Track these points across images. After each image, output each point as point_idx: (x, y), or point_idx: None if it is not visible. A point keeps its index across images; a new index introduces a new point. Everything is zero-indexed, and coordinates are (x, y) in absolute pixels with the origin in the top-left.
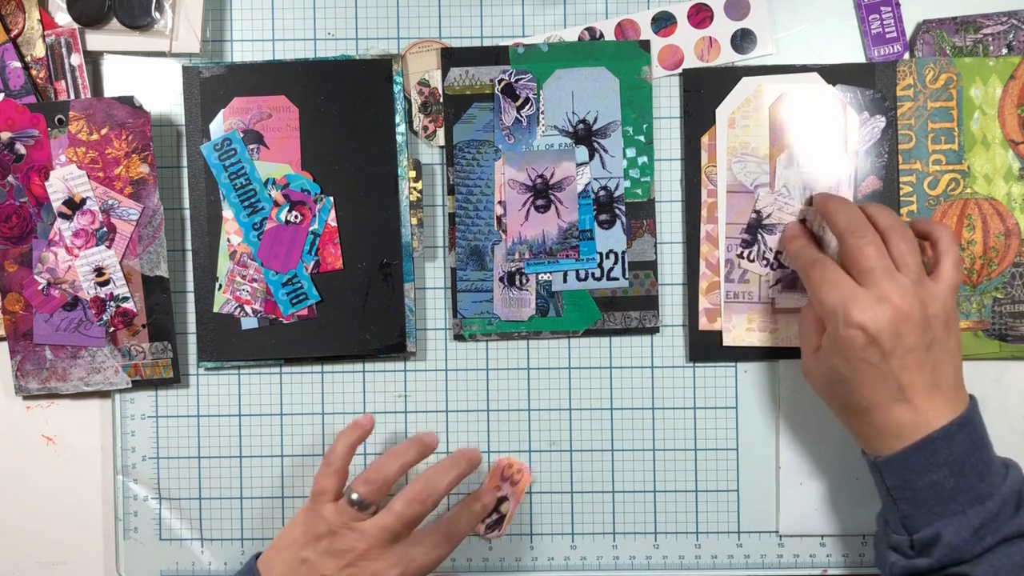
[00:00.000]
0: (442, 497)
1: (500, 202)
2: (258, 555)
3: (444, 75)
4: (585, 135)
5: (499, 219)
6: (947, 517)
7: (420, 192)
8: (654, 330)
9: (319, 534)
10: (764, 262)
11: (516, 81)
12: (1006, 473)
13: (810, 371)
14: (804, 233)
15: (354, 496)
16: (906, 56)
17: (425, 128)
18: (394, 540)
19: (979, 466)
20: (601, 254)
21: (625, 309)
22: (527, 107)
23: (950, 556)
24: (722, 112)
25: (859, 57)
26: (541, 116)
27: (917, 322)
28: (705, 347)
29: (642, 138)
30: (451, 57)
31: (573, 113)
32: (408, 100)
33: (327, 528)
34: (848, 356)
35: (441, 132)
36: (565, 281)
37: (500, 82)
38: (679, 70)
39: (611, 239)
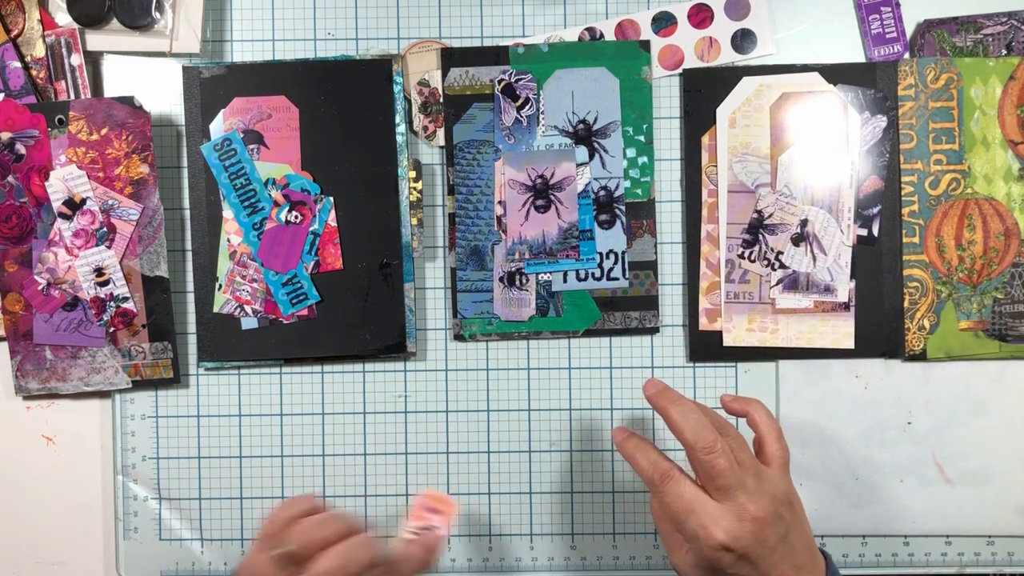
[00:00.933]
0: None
1: (500, 202)
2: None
3: (444, 75)
4: (585, 135)
5: (499, 219)
6: None
7: (420, 192)
8: (654, 330)
9: None
10: (765, 262)
11: (516, 81)
12: None
13: (681, 570)
14: (633, 432)
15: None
16: (906, 56)
17: (425, 128)
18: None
19: None
20: (601, 254)
21: (625, 309)
22: (527, 107)
23: None
24: (723, 112)
25: (859, 57)
26: (541, 116)
27: (772, 520)
28: (705, 347)
29: (642, 138)
30: (451, 57)
31: (573, 113)
32: (408, 100)
33: None
34: (717, 571)
35: (441, 132)
36: (565, 281)
37: (500, 82)
38: (679, 70)
39: (611, 239)
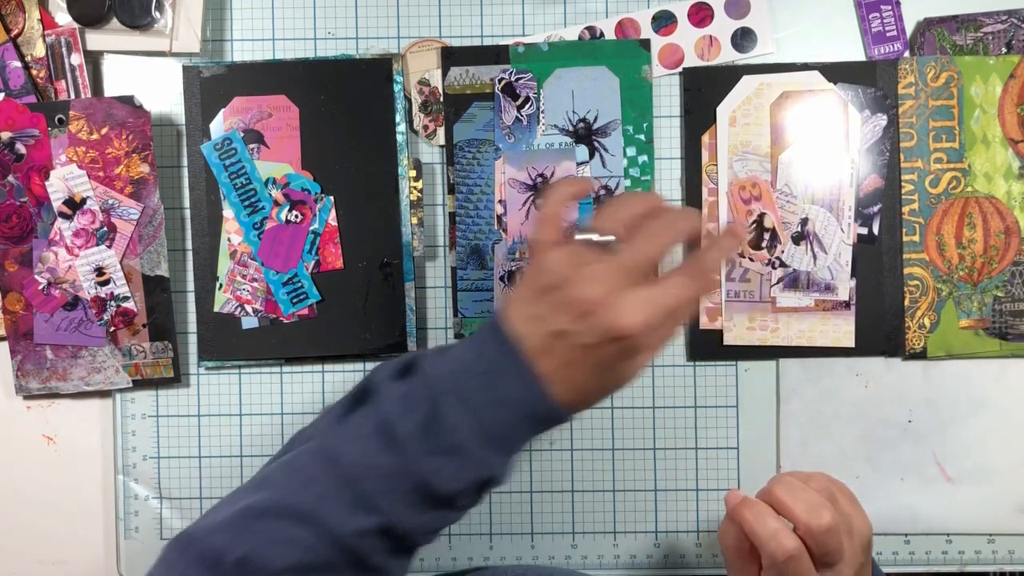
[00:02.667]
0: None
1: (501, 201)
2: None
3: (444, 74)
4: (585, 134)
5: (499, 218)
6: None
7: (420, 192)
8: None
9: (545, 287)
10: (765, 261)
11: (516, 80)
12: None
13: None
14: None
15: (595, 237)
16: (906, 54)
17: (425, 127)
18: (633, 281)
19: None
20: None
21: None
22: (527, 106)
23: None
24: (723, 111)
25: (859, 56)
26: (541, 115)
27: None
28: (705, 346)
29: (642, 137)
30: (451, 56)
31: (573, 112)
32: (408, 99)
33: (554, 279)
34: None
35: (441, 131)
36: None
37: (500, 81)
38: (679, 69)
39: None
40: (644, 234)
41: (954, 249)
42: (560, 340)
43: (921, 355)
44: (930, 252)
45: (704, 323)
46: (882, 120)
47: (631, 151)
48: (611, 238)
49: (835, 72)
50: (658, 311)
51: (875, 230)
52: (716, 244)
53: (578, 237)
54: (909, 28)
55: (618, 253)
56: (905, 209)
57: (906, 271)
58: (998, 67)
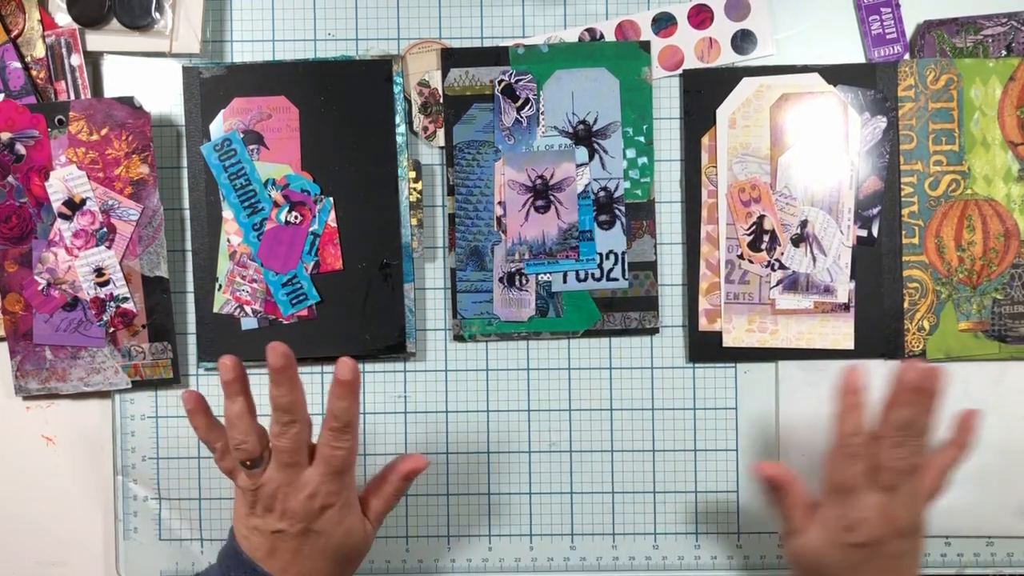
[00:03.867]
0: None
1: (500, 203)
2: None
3: (444, 76)
4: (585, 136)
5: (499, 220)
6: None
7: (420, 192)
8: (654, 331)
9: (250, 502)
10: (764, 263)
11: (516, 82)
12: None
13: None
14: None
15: (246, 463)
16: (906, 57)
17: (425, 129)
18: (297, 465)
19: None
20: (601, 255)
21: (625, 310)
22: (527, 108)
23: None
24: (723, 112)
25: (859, 58)
26: (541, 117)
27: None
28: (705, 348)
29: (642, 139)
30: (451, 58)
31: (573, 114)
32: (408, 101)
33: (251, 496)
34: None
35: (441, 133)
36: (565, 282)
37: (500, 83)
38: (679, 71)
39: (611, 240)
40: (275, 432)
41: (953, 251)
42: (280, 537)
43: (920, 357)
44: (929, 254)
45: (703, 325)
46: (882, 122)
47: (631, 153)
48: (252, 461)
49: (835, 74)
50: (333, 476)
51: (875, 232)
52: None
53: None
54: (909, 30)
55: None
56: (905, 211)
57: (905, 273)
58: (998, 69)
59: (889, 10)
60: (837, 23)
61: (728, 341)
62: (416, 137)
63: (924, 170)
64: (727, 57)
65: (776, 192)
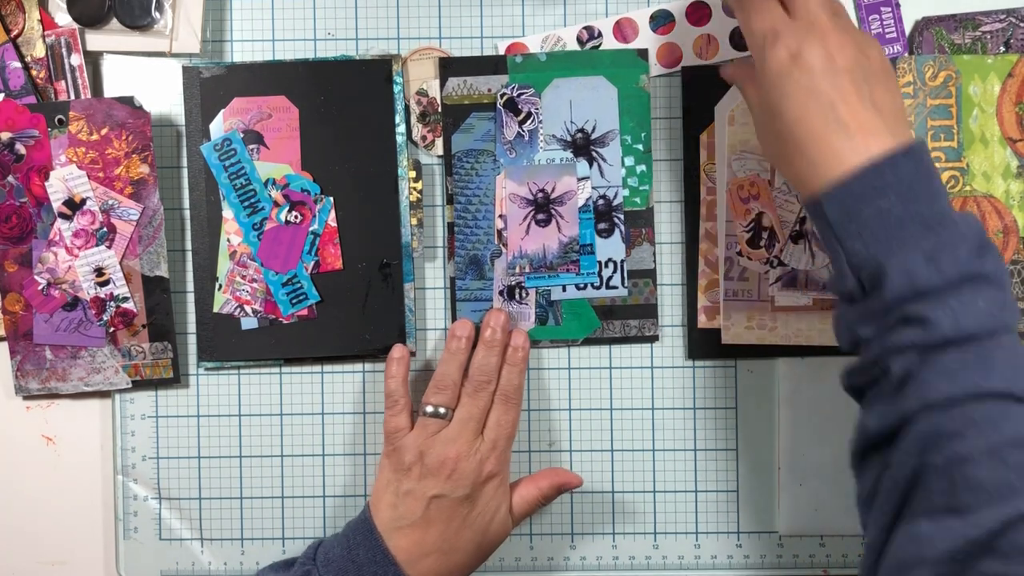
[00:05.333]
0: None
1: (501, 216)
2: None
3: (442, 85)
4: (583, 144)
5: (500, 233)
6: (896, 248)
7: (420, 192)
8: (653, 338)
9: (409, 464)
10: (763, 260)
11: (519, 95)
12: (961, 214)
13: (758, 128)
14: None
15: (429, 409)
16: (906, 54)
17: (424, 138)
18: (478, 429)
19: (929, 194)
20: (600, 263)
21: (624, 318)
22: (529, 121)
23: (905, 288)
24: (721, 110)
25: None
26: (540, 128)
27: (850, 46)
28: (704, 345)
29: (640, 147)
30: (449, 67)
31: (571, 122)
32: (407, 108)
33: (413, 455)
34: (777, 82)
35: (440, 142)
36: (564, 290)
37: (503, 96)
38: (678, 68)
39: (610, 248)
40: (471, 390)
41: None
42: (437, 504)
43: None
44: None
45: (702, 322)
46: None
47: (629, 161)
48: (444, 410)
49: None
50: (501, 438)
51: None
52: (510, 365)
53: (422, 415)
54: (909, 30)
55: (456, 413)
56: None
57: None
58: (996, 66)
59: (889, 10)
60: None
61: (727, 338)
62: (415, 147)
63: None
64: (725, 54)
65: (775, 189)
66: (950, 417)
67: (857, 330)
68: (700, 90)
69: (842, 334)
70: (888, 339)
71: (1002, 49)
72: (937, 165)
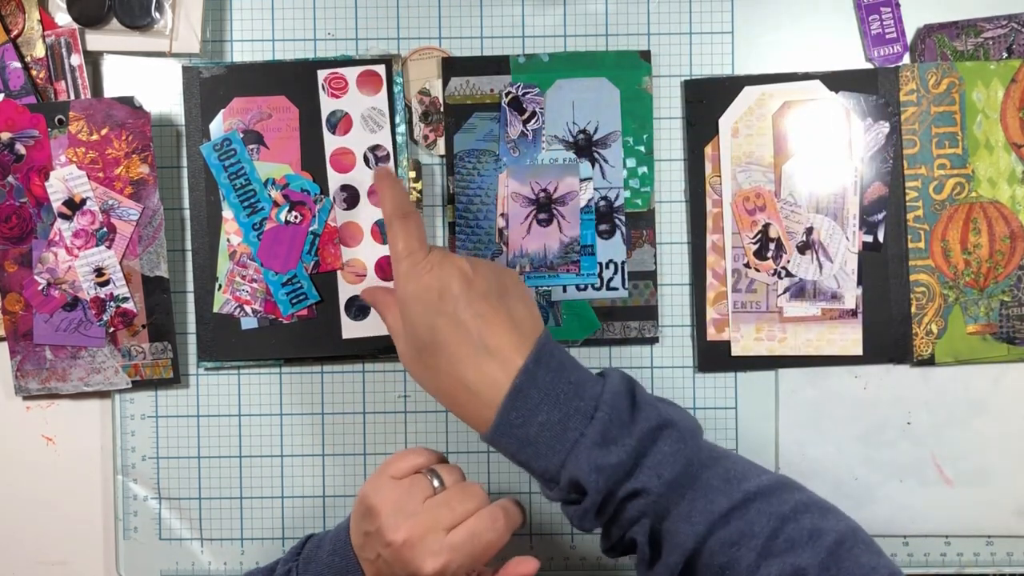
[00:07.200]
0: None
1: (503, 214)
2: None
3: (444, 85)
4: (585, 145)
5: (501, 231)
6: (571, 448)
7: (420, 192)
8: (653, 340)
9: (363, 516)
10: (771, 271)
11: (523, 95)
12: (604, 382)
13: (405, 358)
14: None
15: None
16: (906, 56)
17: (426, 137)
18: (444, 523)
19: (570, 389)
20: (601, 264)
21: (624, 319)
22: (533, 121)
23: (601, 480)
24: (725, 122)
25: (858, 58)
26: (544, 129)
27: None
28: (714, 357)
29: (642, 148)
30: (452, 67)
31: (574, 123)
32: (409, 108)
33: (371, 513)
34: (425, 314)
35: (441, 141)
36: (564, 291)
37: (507, 95)
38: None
39: (611, 249)
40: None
41: (960, 255)
42: (378, 563)
43: (929, 361)
44: (936, 258)
45: (711, 334)
46: (884, 127)
47: (631, 162)
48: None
49: (836, 81)
50: (458, 556)
51: (880, 237)
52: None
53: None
54: (909, 32)
55: (439, 494)
56: (910, 216)
57: (912, 278)
58: (999, 72)
59: (889, 10)
60: (836, 23)
61: (737, 350)
62: (417, 146)
63: (928, 174)
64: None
65: (781, 200)
66: (711, 552)
67: (590, 525)
68: (703, 103)
69: (578, 526)
70: (620, 521)
71: (1005, 55)
72: (942, 172)
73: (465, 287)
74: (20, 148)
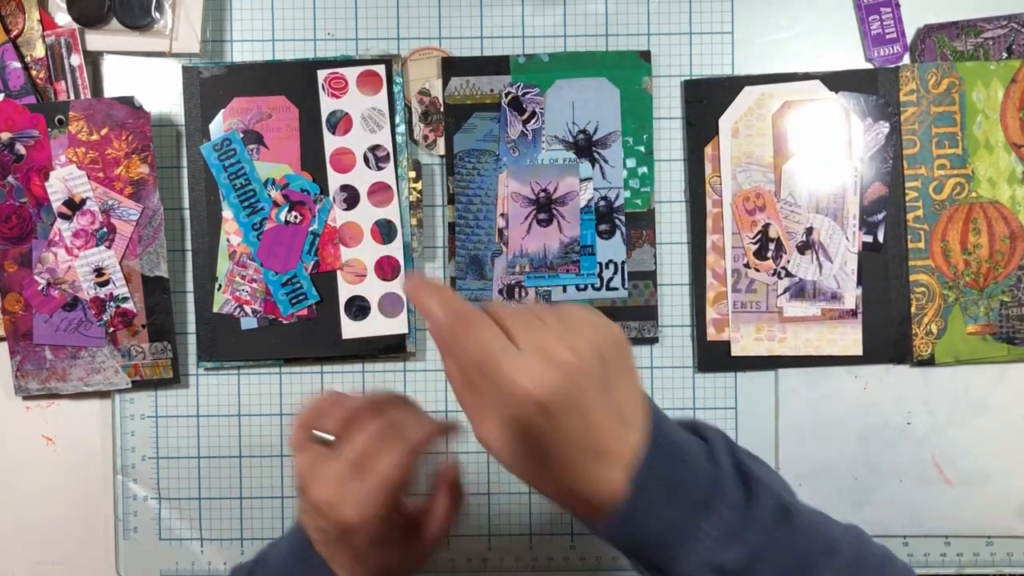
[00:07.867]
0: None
1: (503, 214)
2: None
3: (444, 85)
4: (585, 145)
5: (501, 231)
6: (686, 542)
7: (420, 192)
8: (653, 340)
9: (298, 489)
10: (771, 271)
11: (523, 95)
12: (711, 455)
13: (490, 444)
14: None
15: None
16: (906, 56)
17: (426, 137)
18: (355, 475)
19: (686, 474)
20: (601, 264)
21: (624, 319)
22: (533, 121)
23: (728, 565)
24: (725, 122)
25: (858, 58)
26: (544, 129)
27: (591, 363)
28: (714, 357)
29: (642, 148)
30: (452, 67)
31: (574, 123)
32: (409, 108)
33: (299, 482)
34: (531, 436)
35: (441, 141)
36: (564, 291)
37: (507, 95)
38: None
39: (611, 249)
40: (360, 431)
41: (959, 255)
42: (322, 535)
43: (929, 361)
44: (936, 258)
45: (711, 335)
46: (884, 127)
47: (631, 162)
48: (331, 438)
49: (836, 81)
50: (373, 501)
51: (880, 238)
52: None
53: (313, 436)
54: (909, 32)
55: (342, 451)
56: (910, 216)
57: (912, 278)
58: (999, 72)
59: (889, 10)
60: (836, 24)
61: (736, 350)
62: (417, 146)
63: (928, 174)
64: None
65: (781, 200)
66: None
67: None
68: (703, 103)
69: None
70: None
71: (1004, 55)
72: (942, 172)
73: (571, 391)
74: (20, 148)
